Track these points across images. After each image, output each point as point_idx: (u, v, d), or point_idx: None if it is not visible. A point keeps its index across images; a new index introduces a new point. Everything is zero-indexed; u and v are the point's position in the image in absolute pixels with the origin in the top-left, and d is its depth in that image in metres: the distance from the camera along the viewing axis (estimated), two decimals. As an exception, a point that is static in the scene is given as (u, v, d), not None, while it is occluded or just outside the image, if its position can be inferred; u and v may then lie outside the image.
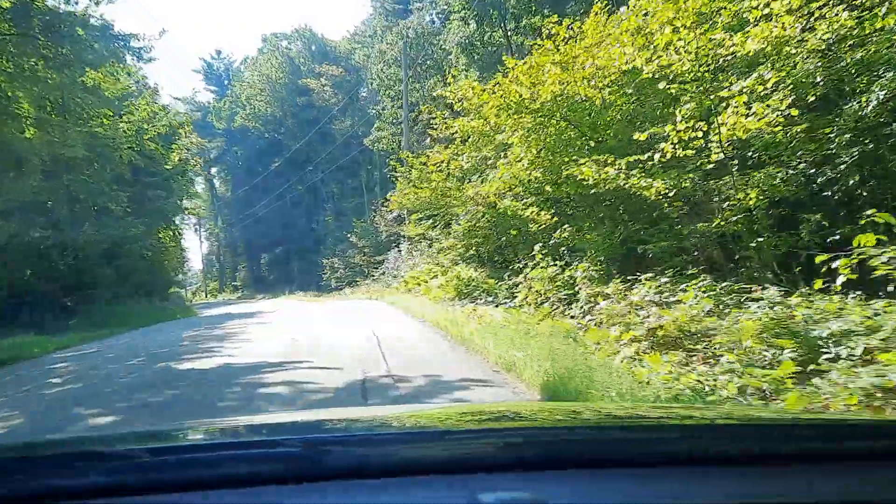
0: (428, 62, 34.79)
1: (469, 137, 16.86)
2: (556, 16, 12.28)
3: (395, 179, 20.34)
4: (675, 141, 8.68)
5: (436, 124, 18.05)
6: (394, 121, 36.94)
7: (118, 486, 1.26)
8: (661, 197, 8.91)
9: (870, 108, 7.12)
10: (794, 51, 7.70)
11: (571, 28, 11.47)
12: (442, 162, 16.48)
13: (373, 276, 34.59)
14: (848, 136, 7.41)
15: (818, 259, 5.68)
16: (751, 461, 1.36)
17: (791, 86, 7.58)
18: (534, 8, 23.41)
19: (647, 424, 1.78)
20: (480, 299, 14.33)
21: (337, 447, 1.42)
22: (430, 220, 18.23)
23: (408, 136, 29.14)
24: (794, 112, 7.50)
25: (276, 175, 57.45)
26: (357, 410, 3.60)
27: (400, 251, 29.25)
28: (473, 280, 15.64)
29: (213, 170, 74.95)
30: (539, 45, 11.93)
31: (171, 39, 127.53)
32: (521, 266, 13.81)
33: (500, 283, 13.95)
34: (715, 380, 4.88)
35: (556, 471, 1.29)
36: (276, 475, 1.28)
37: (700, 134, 8.51)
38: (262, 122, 56.10)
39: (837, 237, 7.07)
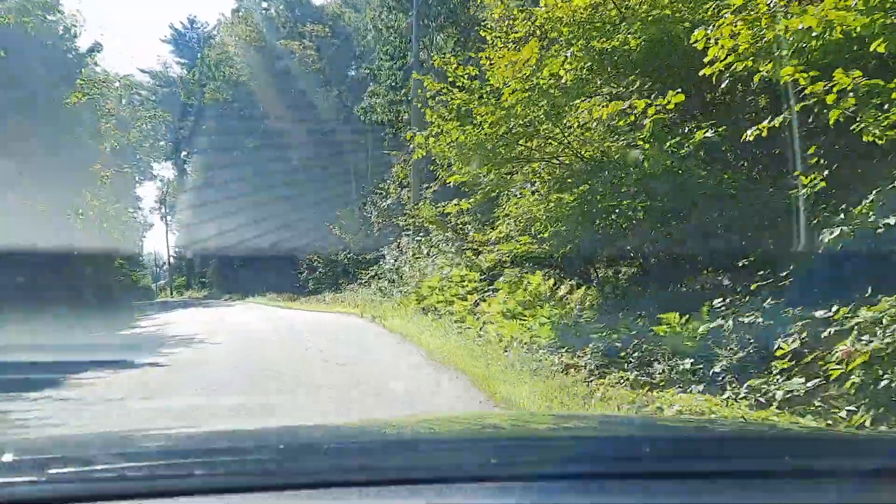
0: (441, 11, 26.20)
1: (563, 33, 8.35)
2: None
3: (418, 112, 11.74)
4: None
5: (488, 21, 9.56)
6: (392, 83, 28.38)
7: (83, 494, 1.21)
8: None
9: None
10: None
11: None
12: (523, 64, 7.91)
13: (360, 279, 26.00)
14: None
15: None
16: (716, 475, 1.32)
17: None
18: None
19: (617, 436, 1.76)
20: (632, 367, 5.83)
21: (308, 456, 1.42)
22: (479, 193, 9.63)
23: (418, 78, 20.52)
24: None
25: (249, 158, 48.48)
26: (331, 423, 3.40)
27: (401, 248, 20.66)
28: (589, 309, 7.14)
29: (183, 154, 65.84)
30: None
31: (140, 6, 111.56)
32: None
33: (699, 325, 5.43)
34: None
35: (519, 482, 1.27)
36: (248, 484, 1.25)
37: None
38: (234, 95, 47.14)
39: None
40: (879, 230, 4.35)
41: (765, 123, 4.93)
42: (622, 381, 5.47)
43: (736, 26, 4.83)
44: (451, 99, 8.57)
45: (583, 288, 8.70)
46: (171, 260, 70.99)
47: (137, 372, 8.15)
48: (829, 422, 3.97)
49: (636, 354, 5.79)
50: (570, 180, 7.91)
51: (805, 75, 4.13)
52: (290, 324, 15.49)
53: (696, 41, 5.22)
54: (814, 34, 4.26)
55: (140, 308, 34.13)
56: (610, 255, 8.26)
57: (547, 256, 9.23)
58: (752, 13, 4.72)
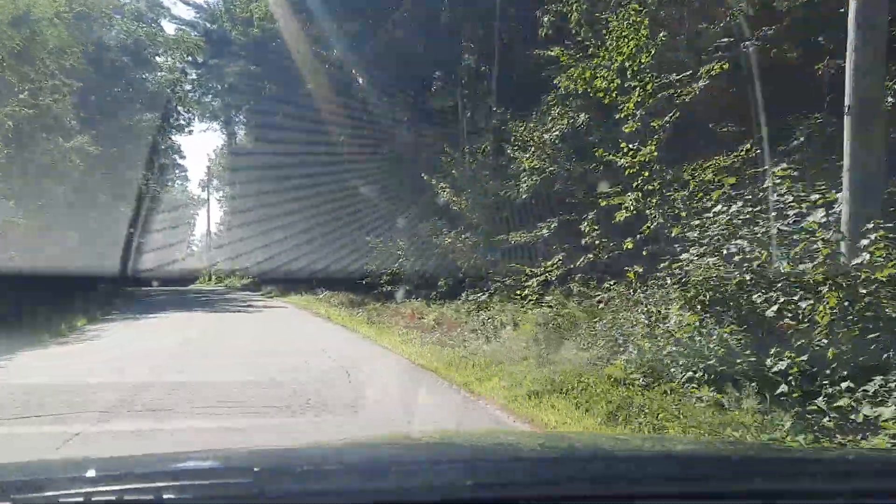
0: None
1: None
2: None
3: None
4: None
5: None
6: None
7: None
8: None
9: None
10: None
11: None
12: None
13: (519, 288, 11.58)
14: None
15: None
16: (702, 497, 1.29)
17: None
18: None
19: (607, 456, 1.73)
20: None
21: (282, 479, 1.35)
22: None
23: None
24: None
25: (310, 108, 34.21)
26: (309, 443, 3.15)
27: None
28: None
29: (232, 113, 53.07)
30: None
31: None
32: None
33: None
34: None
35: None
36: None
37: None
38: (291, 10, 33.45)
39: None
40: None
41: None
42: None
43: None
44: None
45: None
46: (213, 238, 58.52)
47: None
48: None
49: None
50: None
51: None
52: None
53: None
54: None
55: (117, 307, 20.91)
56: None
57: None
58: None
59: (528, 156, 13.40)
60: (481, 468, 1.45)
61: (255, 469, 1.36)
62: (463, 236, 15.04)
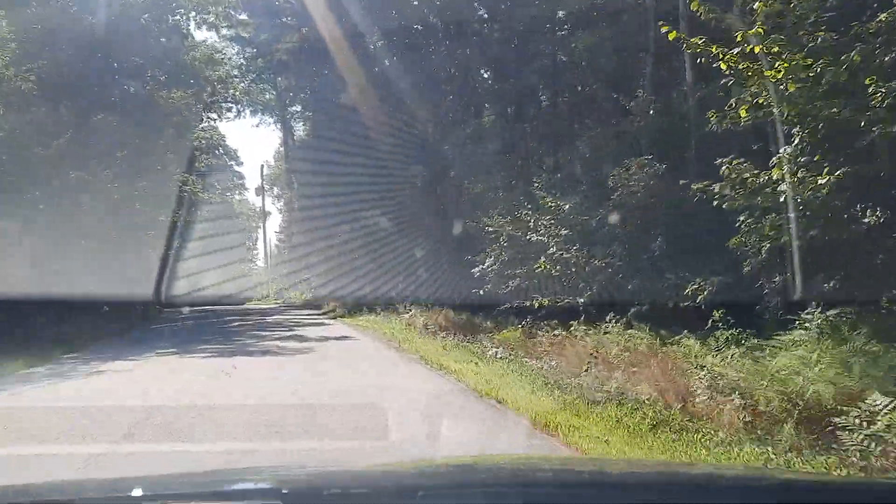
0: None
1: None
2: None
3: None
4: None
5: None
6: None
7: None
8: None
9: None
10: None
11: None
12: None
13: None
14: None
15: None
16: None
17: None
18: None
19: (625, 482, 1.69)
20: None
21: (314, 500, 1.35)
22: None
23: None
24: None
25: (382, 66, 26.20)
26: (334, 468, 2.94)
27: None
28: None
29: (286, 101, 46.05)
30: None
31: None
32: None
33: None
34: None
35: None
36: None
37: None
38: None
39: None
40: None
41: None
42: None
43: None
44: None
45: None
46: (273, 250, 51.31)
47: None
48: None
49: None
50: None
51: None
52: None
53: None
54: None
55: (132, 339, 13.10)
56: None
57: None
58: None
59: None
60: (504, 494, 1.44)
61: (284, 491, 1.37)
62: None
